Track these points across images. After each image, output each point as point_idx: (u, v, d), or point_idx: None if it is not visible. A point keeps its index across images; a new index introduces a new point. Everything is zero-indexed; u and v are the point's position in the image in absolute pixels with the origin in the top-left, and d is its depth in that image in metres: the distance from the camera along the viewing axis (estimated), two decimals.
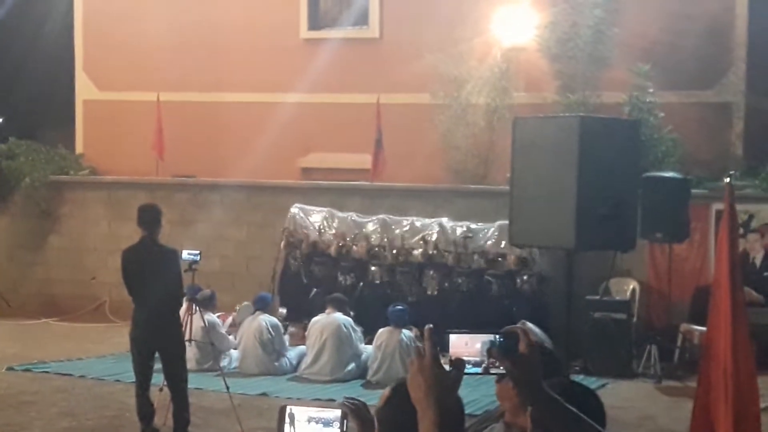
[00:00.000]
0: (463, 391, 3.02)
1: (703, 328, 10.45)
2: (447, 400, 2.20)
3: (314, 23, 17.49)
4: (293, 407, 2.57)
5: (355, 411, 2.88)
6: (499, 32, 15.78)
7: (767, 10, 15.12)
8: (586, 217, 5.01)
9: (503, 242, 13.19)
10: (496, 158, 14.91)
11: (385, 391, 3.01)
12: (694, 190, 12.59)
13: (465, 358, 2.36)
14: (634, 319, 12.59)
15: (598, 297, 12.50)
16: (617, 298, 12.81)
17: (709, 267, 12.80)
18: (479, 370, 2.39)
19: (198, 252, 9.35)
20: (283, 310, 12.83)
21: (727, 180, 6.02)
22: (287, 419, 2.54)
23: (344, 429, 2.60)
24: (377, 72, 16.50)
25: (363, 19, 17.27)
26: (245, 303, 12.71)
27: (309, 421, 2.54)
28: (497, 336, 2.37)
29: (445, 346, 2.35)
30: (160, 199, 13.92)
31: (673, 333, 12.40)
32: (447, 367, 2.27)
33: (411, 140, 15.61)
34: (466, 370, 2.35)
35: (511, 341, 2.37)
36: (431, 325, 2.27)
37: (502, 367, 2.36)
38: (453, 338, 2.39)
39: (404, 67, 15.83)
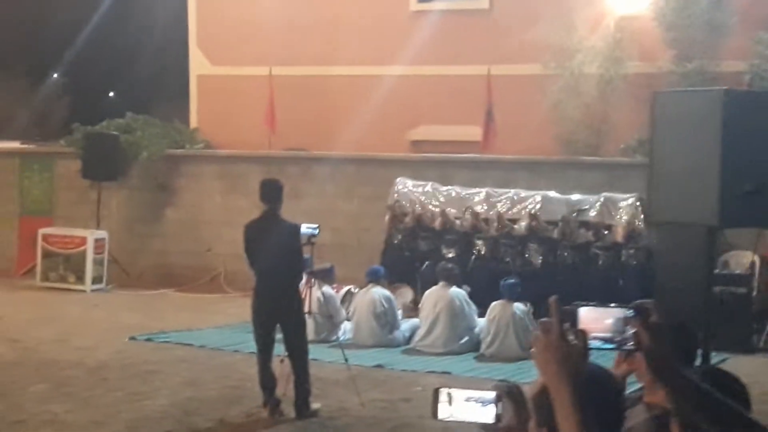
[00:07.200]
0: None
1: None
2: (579, 375, 2.15)
3: None
4: (450, 390, 2.61)
5: (510, 394, 2.88)
6: (612, 1, 15.50)
7: None
8: (730, 193, 4.91)
9: (610, 214, 12.99)
10: (610, 129, 14.70)
11: (541, 378, 2.99)
12: None
13: (594, 334, 2.30)
14: (754, 292, 12.29)
15: (717, 271, 12.22)
16: (737, 271, 12.51)
17: None
18: (611, 345, 2.35)
19: (316, 226, 9.50)
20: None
21: None
22: (446, 397, 2.58)
23: (498, 410, 2.62)
24: (487, 43, 16.39)
25: None
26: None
27: (468, 400, 2.58)
28: (628, 310, 2.33)
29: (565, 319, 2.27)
30: (273, 172, 14.10)
31: None
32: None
33: (521, 111, 15.48)
34: (596, 346, 2.31)
35: (643, 315, 2.32)
36: (556, 297, 2.18)
37: (631, 343, 2.31)
38: (583, 312, 2.33)
39: (514, 38, 15.68)
